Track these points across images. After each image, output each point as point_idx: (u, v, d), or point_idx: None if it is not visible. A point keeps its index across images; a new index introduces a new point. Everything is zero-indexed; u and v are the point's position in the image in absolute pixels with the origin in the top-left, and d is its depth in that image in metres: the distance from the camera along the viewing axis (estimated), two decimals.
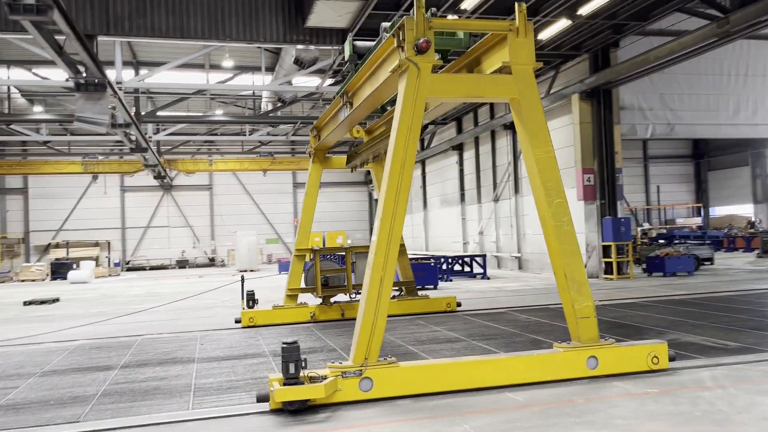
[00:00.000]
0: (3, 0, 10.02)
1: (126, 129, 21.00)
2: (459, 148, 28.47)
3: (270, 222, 39.98)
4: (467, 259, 21.85)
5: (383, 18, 15.51)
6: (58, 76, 20.65)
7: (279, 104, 24.98)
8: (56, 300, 18.27)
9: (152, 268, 37.36)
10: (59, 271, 31.00)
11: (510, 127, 23.25)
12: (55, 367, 8.21)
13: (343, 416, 5.51)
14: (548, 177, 6.76)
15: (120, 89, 16.65)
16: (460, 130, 28.13)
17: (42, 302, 17.69)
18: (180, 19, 15.12)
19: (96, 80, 14.83)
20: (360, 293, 12.61)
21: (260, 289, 13.80)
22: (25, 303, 17.68)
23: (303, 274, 12.38)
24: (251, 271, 30.45)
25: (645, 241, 23.23)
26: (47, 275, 31.39)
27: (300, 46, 18.03)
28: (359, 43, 9.12)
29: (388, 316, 11.23)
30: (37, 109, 25.89)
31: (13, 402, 6.47)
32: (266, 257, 39.17)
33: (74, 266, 30.98)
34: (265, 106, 25.80)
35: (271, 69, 22.64)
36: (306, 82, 23.30)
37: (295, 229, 39.55)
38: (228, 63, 23.31)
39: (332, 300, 11.84)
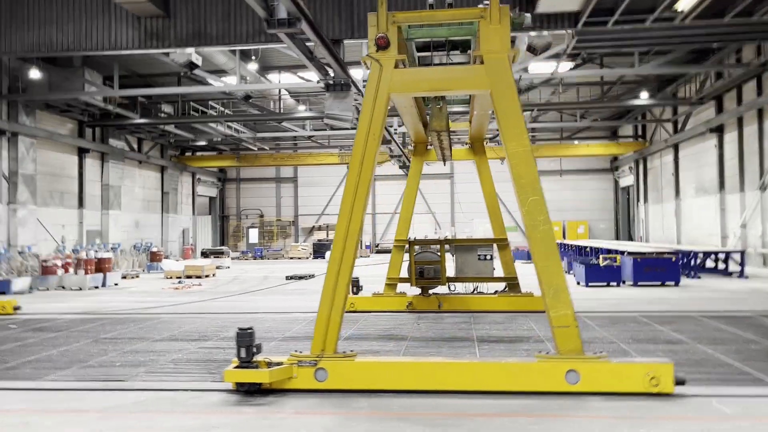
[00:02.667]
0: (261, 16, 11.78)
1: None
2: (718, 130, 25.36)
3: (508, 210, 40.02)
4: (721, 255, 19.55)
5: (614, 1, 14.67)
6: (317, 78, 23.24)
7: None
8: (312, 276, 20.78)
9: None
10: (320, 251, 35.22)
11: None
12: (294, 334, 9.52)
13: (286, 402, 5.69)
14: (522, 172, 6.24)
15: (364, 87, 18.20)
16: (720, 110, 25.09)
17: (300, 277, 20.30)
18: None
19: (342, 81, 16.54)
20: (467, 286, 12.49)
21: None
22: (287, 277, 20.46)
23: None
24: None
25: None
26: (310, 254, 35.85)
27: (533, 33, 17.82)
28: None
29: (491, 311, 11.25)
30: (302, 107, 29.45)
31: None
32: None
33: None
34: None
35: None
36: (541, 68, 22.90)
37: None
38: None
39: (430, 291, 11.77)
